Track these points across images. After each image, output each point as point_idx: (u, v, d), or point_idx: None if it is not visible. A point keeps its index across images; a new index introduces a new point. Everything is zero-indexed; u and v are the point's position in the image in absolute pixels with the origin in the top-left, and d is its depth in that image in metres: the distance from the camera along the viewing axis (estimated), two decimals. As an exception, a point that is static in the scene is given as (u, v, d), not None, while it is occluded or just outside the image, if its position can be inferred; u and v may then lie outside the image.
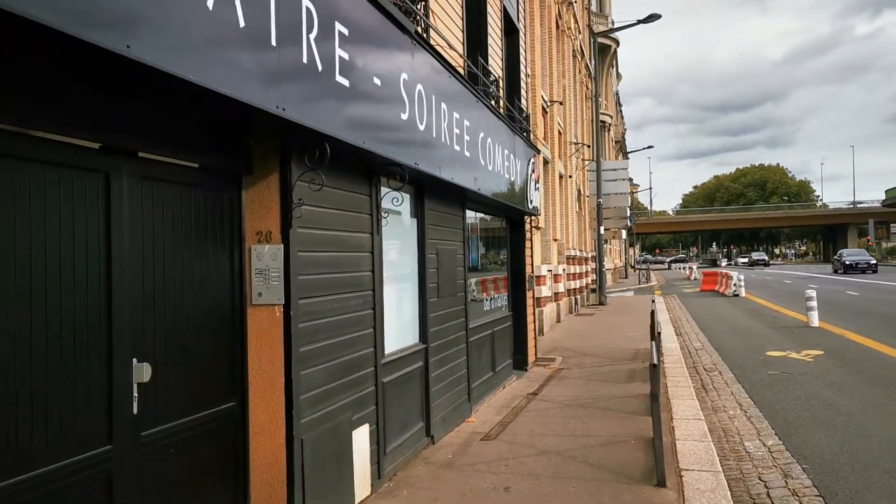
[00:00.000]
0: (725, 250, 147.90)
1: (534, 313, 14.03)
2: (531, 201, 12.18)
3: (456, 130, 7.65)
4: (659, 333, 8.70)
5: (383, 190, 6.43)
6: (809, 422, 8.40)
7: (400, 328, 7.11)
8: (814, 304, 18.21)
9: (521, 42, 14.36)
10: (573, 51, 27.03)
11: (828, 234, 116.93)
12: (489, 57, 11.25)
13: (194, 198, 4.45)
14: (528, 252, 13.48)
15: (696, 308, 25.64)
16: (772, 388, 10.56)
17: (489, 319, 10.66)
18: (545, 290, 18.27)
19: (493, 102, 10.09)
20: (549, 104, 20.30)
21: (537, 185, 12.91)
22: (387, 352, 6.55)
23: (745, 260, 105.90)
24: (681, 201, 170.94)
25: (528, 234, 13.45)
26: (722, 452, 7.24)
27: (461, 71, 8.52)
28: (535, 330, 14.06)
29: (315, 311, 5.07)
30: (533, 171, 12.45)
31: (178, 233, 4.29)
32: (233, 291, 4.71)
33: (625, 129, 79.49)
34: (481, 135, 8.76)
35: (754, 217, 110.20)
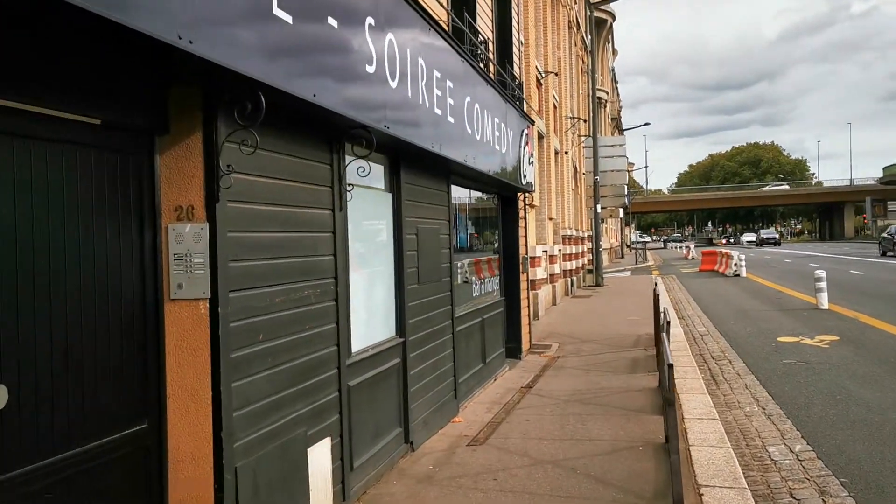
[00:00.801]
0: (721, 228, 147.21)
1: (528, 297, 13.07)
2: (524, 176, 11.17)
3: (437, 92, 6.63)
4: (668, 323, 7.73)
5: (348, 158, 5.41)
6: (839, 421, 7.45)
7: (372, 321, 6.13)
8: (823, 284, 17.27)
9: (514, 5, 13.28)
10: (569, 22, 25.89)
11: (824, 212, 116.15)
12: (477, 17, 10.20)
13: (94, 162, 3.43)
14: (521, 232, 12.49)
15: (696, 289, 24.72)
16: (789, 379, 9.62)
17: (479, 306, 9.69)
18: (540, 272, 17.31)
19: (481, 65, 9.05)
20: (543, 75, 19.23)
21: (531, 159, 11.89)
22: (354, 350, 5.57)
23: (752, 238, 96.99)
24: (676, 180, 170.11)
25: (521, 213, 12.45)
26: (743, 461, 6.29)
27: (444, 26, 7.48)
28: (529, 315, 13.10)
29: (254, 305, 4.07)
30: (526, 144, 11.43)
31: (69, 208, 3.28)
32: (144, 282, 3.71)
33: (620, 107, 78.27)
34: (467, 99, 7.74)
35: (750, 195, 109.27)
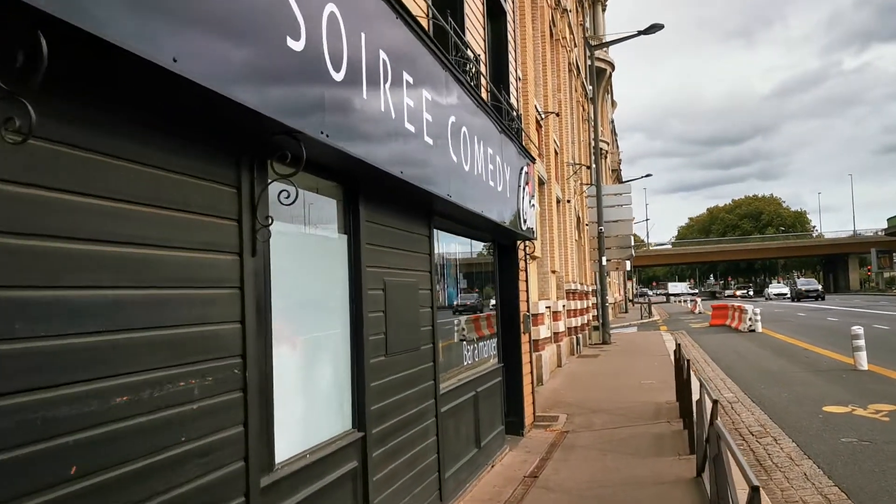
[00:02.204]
0: (724, 282, 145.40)
1: (531, 361, 11.30)
2: (524, 220, 9.51)
3: (409, 101, 4.99)
4: (715, 404, 5.93)
5: (271, 179, 3.73)
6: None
7: (312, 413, 4.38)
8: (861, 343, 15.44)
9: (510, 31, 11.80)
10: (568, 64, 24.61)
11: (827, 264, 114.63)
12: (466, 30, 8.66)
13: None
14: (522, 286, 10.78)
15: (712, 346, 22.87)
16: (858, 466, 7.78)
17: (472, 376, 7.92)
18: (543, 331, 15.54)
19: (471, 83, 7.46)
20: (543, 116, 17.75)
21: (532, 202, 10.25)
22: (280, 460, 3.80)
23: (782, 291, 77.78)
24: (676, 234, 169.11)
25: (521, 264, 10.76)
26: None
27: (422, 22, 5.88)
28: (532, 382, 11.31)
29: (56, 417, 2.33)
30: (527, 184, 9.81)
31: None
32: None
33: (620, 160, 77.32)
34: (452, 119, 6.12)
35: (752, 248, 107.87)
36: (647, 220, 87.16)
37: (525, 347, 10.83)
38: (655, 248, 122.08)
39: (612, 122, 65.27)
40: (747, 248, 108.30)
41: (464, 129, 6.51)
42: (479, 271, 9.57)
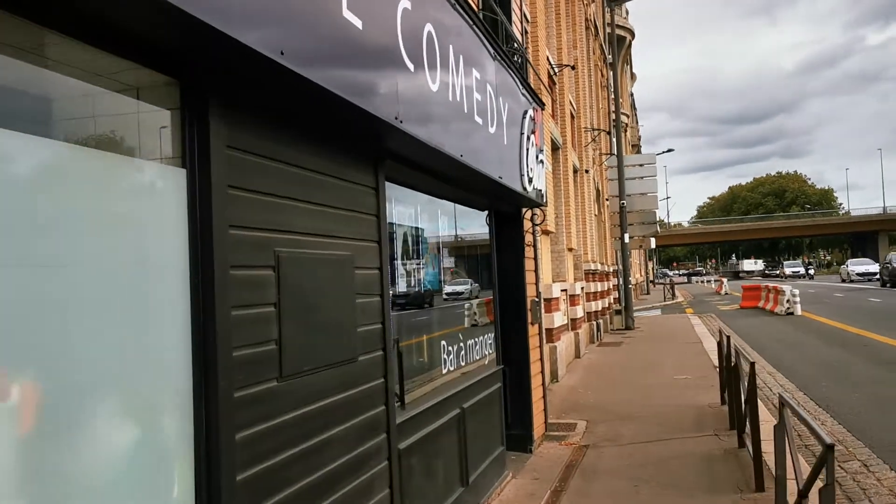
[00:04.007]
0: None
1: (541, 357, 9.13)
2: (529, 179, 7.30)
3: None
4: (831, 449, 3.75)
5: None
6: None
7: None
8: (936, 329, 13.08)
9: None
10: (585, 20, 22.22)
11: (856, 242, 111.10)
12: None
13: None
14: (529, 265, 8.60)
15: (750, 332, 20.51)
16: None
17: (456, 388, 5.75)
18: (559, 318, 13.35)
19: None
20: (557, 71, 15.46)
21: (540, 158, 8.03)
22: None
23: (867, 269, 54.47)
24: (696, 213, 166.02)
25: (528, 237, 8.58)
26: None
27: None
28: (544, 383, 9.15)
29: None
30: (533, 133, 7.59)
31: None
32: None
33: (640, 136, 74.50)
34: (405, 5, 3.92)
35: (778, 226, 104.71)
36: (667, 198, 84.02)
37: (534, 342, 8.67)
38: (674, 229, 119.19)
39: (632, 95, 62.56)
40: (772, 226, 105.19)
41: (428, 27, 4.32)
42: (481, 253, 7.41)
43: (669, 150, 47.73)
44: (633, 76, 62.07)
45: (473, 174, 5.56)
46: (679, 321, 25.34)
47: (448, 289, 5.68)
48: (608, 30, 28.25)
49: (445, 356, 5.78)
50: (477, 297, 6.57)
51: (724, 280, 52.42)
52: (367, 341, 4.02)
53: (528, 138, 7.34)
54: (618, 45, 40.25)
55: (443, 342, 5.75)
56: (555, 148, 15.07)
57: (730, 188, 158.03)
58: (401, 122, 3.82)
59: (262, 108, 3.07)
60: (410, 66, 3.99)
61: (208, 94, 2.70)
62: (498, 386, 7.13)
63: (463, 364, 6.21)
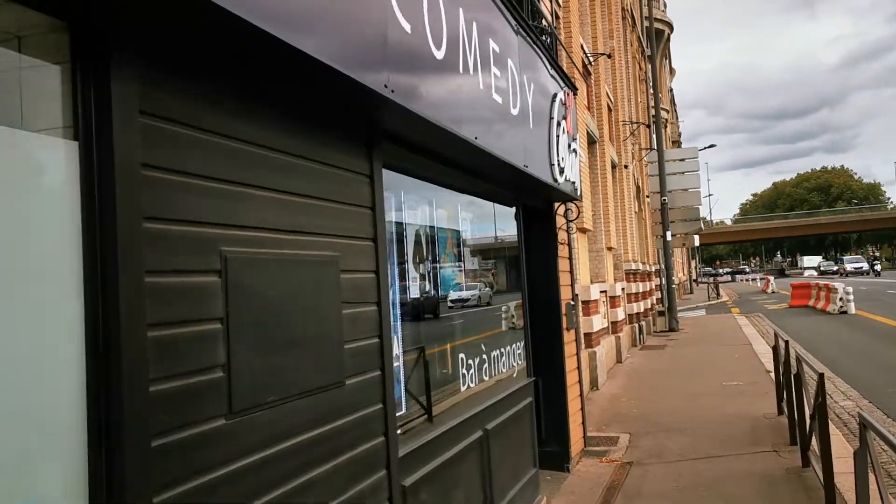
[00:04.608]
0: (790, 259, 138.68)
1: (578, 365, 8.35)
2: (560, 170, 6.54)
3: None
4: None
5: None
6: None
7: None
8: None
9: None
10: (622, 9, 21.32)
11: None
12: None
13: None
14: (563, 265, 7.85)
15: (801, 333, 19.39)
16: None
17: (474, 410, 5.00)
18: (598, 321, 12.53)
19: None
20: (592, 61, 14.64)
21: (573, 146, 7.26)
22: None
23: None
24: (738, 211, 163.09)
25: (562, 235, 7.82)
26: None
27: None
28: (581, 393, 8.37)
29: None
30: (564, 118, 6.83)
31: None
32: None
33: (680, 133, 72.82)
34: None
35: (823, 222, 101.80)
36: (709, 195, 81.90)
37: (570, 348, 7.91)
38: (717, 227, 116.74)
39: (671, 90, 61.10)
40: (818, 222, 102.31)
41: (433, -17, 3.61)
42: (509, 255, 6.69)
43: (711, 146, 46.30)
44: (672, 71, 60.61)
45: (493, 161, 4.84)
46: (725, 321, 24.25)
47: (453, 295, 4.95)
48: (646, 23, 27.24)
49: (465, 370, 5.05)
50: (489, 304, 5.80)
51: (771, 278, 50.78)
52: (359, 360, 3.32)
53: (559, 124, 6.59)
54: (656, 38, 39.19)
55: (461, 355, 5.03)
56: (591, 141, 14.26)
57: (773, 184, 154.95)
58: (392, 91, 3.11)
59: (199, 65, 2.39)
60: (405, 25, 3.28)
61: (111, 40, 2.02)
62: (529, 401, 6.38)
63: (486, 378, 5.48)
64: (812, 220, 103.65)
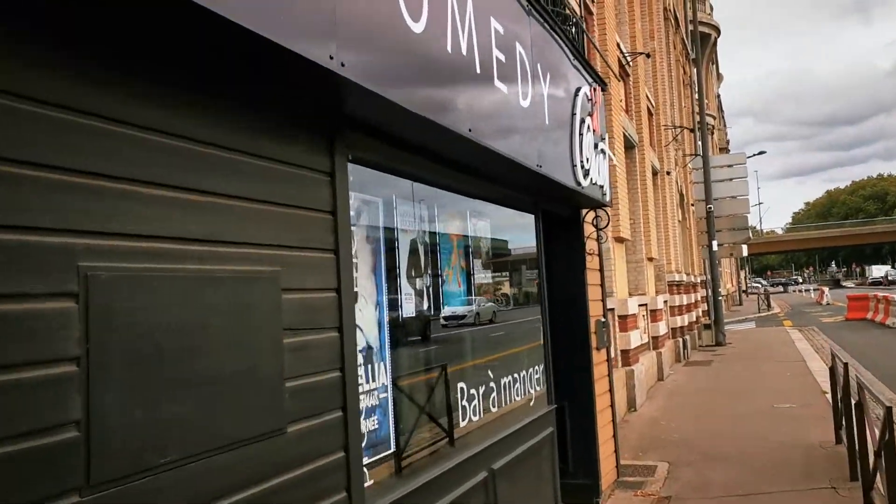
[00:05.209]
0: (846, 269, 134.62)
1: (610, 388, 7.60)
2: (585, 172, 5.85)
3: None
4: None
5: None
6: None
7: None
8: None
9: None
10: (664, 9, 20.48)
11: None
12: None
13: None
14: (593, 277, 7.14)
15: (860, 349, 18.23)
16: None
17: (475, 449, 4.31)
18: (636, 337, 11.73)
19: None
20: (629, 60, 13.88)
21: (600, 146, 6.55)
22: None
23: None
24: (791, 220, 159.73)
25: (591, 244, 7.11)
26: None
27: None
28: (614, 418, 7.62)
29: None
30: (590, 115, 6.13)
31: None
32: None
33: (728, 140, 71.02)
34: None
35: (881, 230, 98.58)
36: (759, 204, 79.67)
37: (600, 370, 7.18)
38: (767, 236, 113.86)
39: (718, 96, 59.59)
40: (874, 231, 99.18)
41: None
42: (513, 267, 6.03)
43: (761, 153, 44.97)
44: (719, 76, 59.16)
45: (497, 160, 4.18)
46: (776, 335, 23.10)
47: (447, 311, 4.29)
48: (691, 26, 26.26)
49: (466, 403, 4.38)
50: (492, 321, 5.09)
51: (826, 289, 48.92)
52: (309, 400, 2.68)
53: (583, 121, 5.90)
54: (702, 42, 38.13)
55: (460, 383, 4.36)
56: (629, 146, 13.49)
57: (827, 192, 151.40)
58: (342, 65, 2.48)
59: (74, 31, 1.79)
60: (367, -14, 2.66)
61: None
62: (549, 431, 5.68)
63: (494, 409, 4.80)
64: (868, 229, 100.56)
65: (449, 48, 3.40)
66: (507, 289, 5.81)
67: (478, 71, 3.75)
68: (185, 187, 2.18)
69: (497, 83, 4.02)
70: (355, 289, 3.22)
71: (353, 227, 3.49)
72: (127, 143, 1.98)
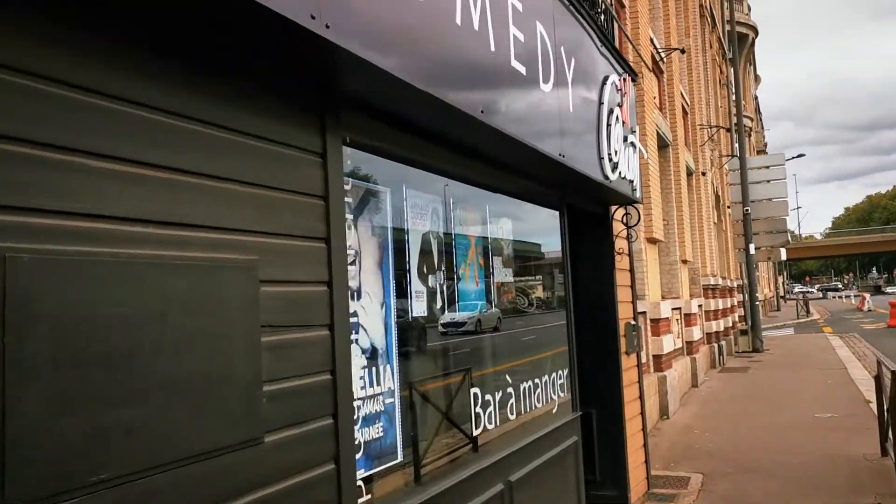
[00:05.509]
0: (887, 275, 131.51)
1: (640, 395, 7.22)
2: (613, 165, 5.50)
3: None
4: None
5: None
6: None
7: None
8: None
9: None
10: (700, 6, 19.96)
11: None
12: None
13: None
14: (622, 279, 6.79)
15: (900, 355, 17.60)
16: None
17: (489, 459, 3.98)
18: (669, 342, 11.30)
19: None
20: (663, 56, 13.45)
21: (630, 139, 6.19)
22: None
23: None
24: (830, 225, 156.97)
25: (620, 243, 6.75)
26: None
27: None
28: (644, 427, 7.25)
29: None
30: (619, 106, 5.78)
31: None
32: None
33: (766, 143, 69.66)
34: None
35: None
36: (798, 208, 77.78)
37: (630, 376, 6.82)
38: (806, 241, 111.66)
39: (756, 98, 58.47)
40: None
41: None
42: (537, 268, 5.71)
43: (800, 156, 43.89)
44: (757, 78, 58.07)
45: (514, 147, 3.86)
46: (816, 342, 22.41)
47: (445, 318, 3.95)
48: (728, 26, 25.61)
49: (480, 410, 4.06)
50: (497, 329, 4.73)
51: (867, 295, 47.67)
52: (292, 406, 2.39)
53: (612, 111, 5.55)
54: (739, 42, 37.36)
55: (475, 390, 4.04)
56: (663, 145, 13.07)
57: (868, 197, 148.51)
58: (326, 27, 2.19)
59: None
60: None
61: None
62: (573, 440, 5.33)
63: (512, 416, 4.47)
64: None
65: (458, 20, 3.09)
66: (529, 289, 5.48)
67: (492, 49, 3.44)
68: (137, 160, 1.89)
69: (514, 63, 3.70)
70: (351, 283, 2.93)
71: (357, 219, 3.22)
72: (59, 104, 1.70)
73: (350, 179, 3.06)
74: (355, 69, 2.49)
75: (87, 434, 1.69)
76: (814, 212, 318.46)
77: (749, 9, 44.10)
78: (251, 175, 2.29)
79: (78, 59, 1.75)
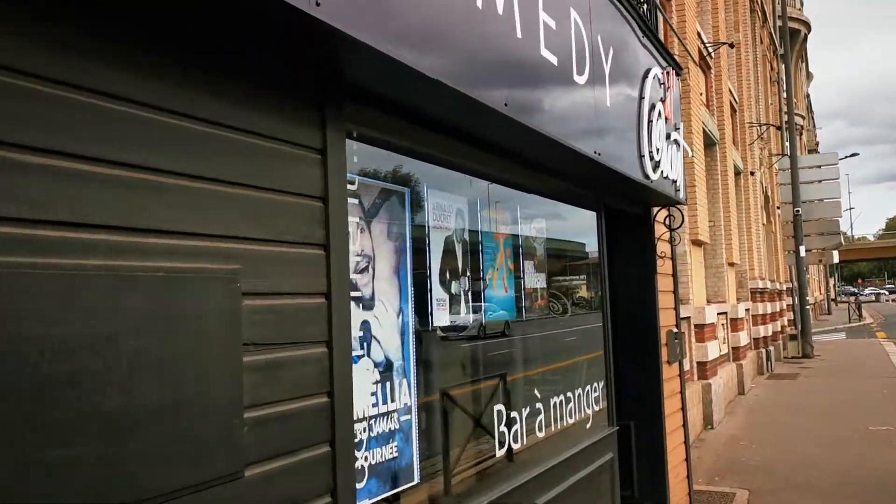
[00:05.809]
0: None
1: (682, 407, 6.84)
2: (655, 164, 5.14)
3: None
4: None
5: None
6: None
7: None
8: None
9: None
10: (751, 0, 19.32)
11: None
12: None
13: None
14: (664, 283, 6.42)
15: (960, 364, 16.78)
16: None
17: (514, 482, 3.67)
18: (714, 349, 10.84)
19: None
20: (711, 51, 12.95)
21: (674, 136, 5.82)
22: None
23: None
24: (884, 226, 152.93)
25: (662, 247, 6.39)
26: None
27: None
28: (687, 441, 6.86)
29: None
30: (662, 101, 5.42)
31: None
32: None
33: (818, 143, 67.84)
34: None
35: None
36: (850, 209, 75.57)
37: (671, 386, 6.45)
38: (858, 243, 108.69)
39: (808, 96, 56.91)
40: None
41: None
42: (573, 270, 5.39)
43: (854, 155, 42.52)
44: (809, 75, 56.52)
45: (544, 143, 3.55)
46: (869, 348, 21.58)
47: (445, 321, 3.62)
48: (779, 22, 24.80)
49: (504, 428, 3.76)
50: (504, 333, 4.37)
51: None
52: (282, 433, 2.12)
53: (653, 107, 5.20)
54: (791, 38, 36.32)
55: (497, 407, 3.74)
56: (709, 143, 12.59)
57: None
58: (317, 4, 1.91)
59: None
60: None
61: None
62: (609, 457, 5.00)
63: (541, 434, 4.17)
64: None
65: (479, 2, 2.79)
66: (565, 293, 5.16)
67: (518, 35, 3.14)
68: (87, 156, 1.64)
69: (544, 52, 3.39)
70: (363, 290, 2.68)
71: (371, 221, 2.97)
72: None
73: (359, 178, 2.80)
74: (355, 55, 2.22)
75: (20, 473, 1.44)
76: (868, 213, 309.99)
77: (801, 4, 42.88)
78: (234, 174, 2.02)
79: (18, 39, 1.50)
